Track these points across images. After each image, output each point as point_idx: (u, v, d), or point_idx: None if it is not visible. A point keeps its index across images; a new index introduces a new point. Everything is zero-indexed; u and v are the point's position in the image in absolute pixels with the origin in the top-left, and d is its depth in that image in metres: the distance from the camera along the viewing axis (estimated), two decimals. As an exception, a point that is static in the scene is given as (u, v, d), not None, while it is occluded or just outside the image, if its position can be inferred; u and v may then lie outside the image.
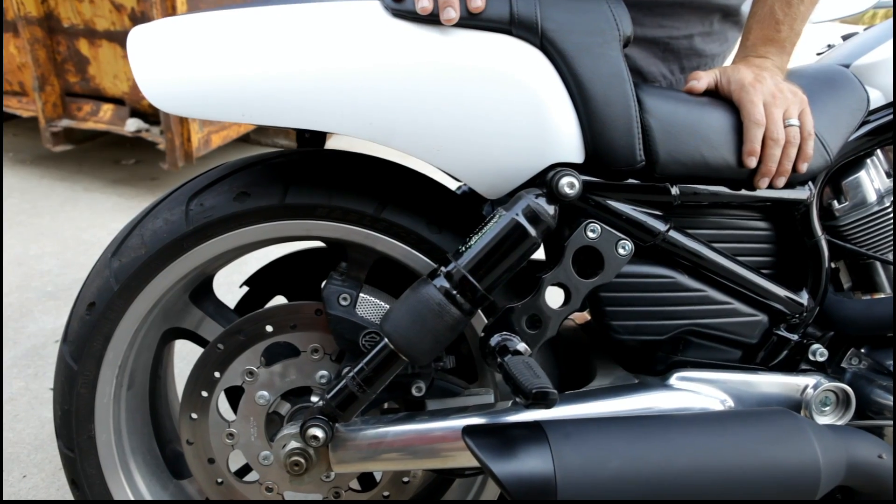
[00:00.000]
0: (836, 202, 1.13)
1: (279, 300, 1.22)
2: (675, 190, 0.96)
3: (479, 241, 0.86)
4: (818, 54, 1.38)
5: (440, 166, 0.89)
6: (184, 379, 1.07)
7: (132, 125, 3.13)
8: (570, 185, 0.88)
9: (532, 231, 0.85)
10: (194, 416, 1.07)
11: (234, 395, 1.10)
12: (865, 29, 1.36)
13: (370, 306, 0.98)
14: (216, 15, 0.87)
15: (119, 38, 3.11)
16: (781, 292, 1.05)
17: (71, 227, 2.93)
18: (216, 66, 0.83)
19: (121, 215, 3.06)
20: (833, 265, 1.17)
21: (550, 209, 0.87)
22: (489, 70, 0.85)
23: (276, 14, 0.87)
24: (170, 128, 3.05)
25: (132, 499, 1.09)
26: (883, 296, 1.16)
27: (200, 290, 1.15)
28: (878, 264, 1.16)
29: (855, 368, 1.11)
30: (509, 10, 0.87)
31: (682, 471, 0.82)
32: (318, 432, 0.89)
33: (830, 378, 1.07)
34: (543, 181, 0.90)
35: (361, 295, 0.98)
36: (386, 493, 1.11)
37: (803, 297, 1.06)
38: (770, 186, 0.98)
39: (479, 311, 0.98)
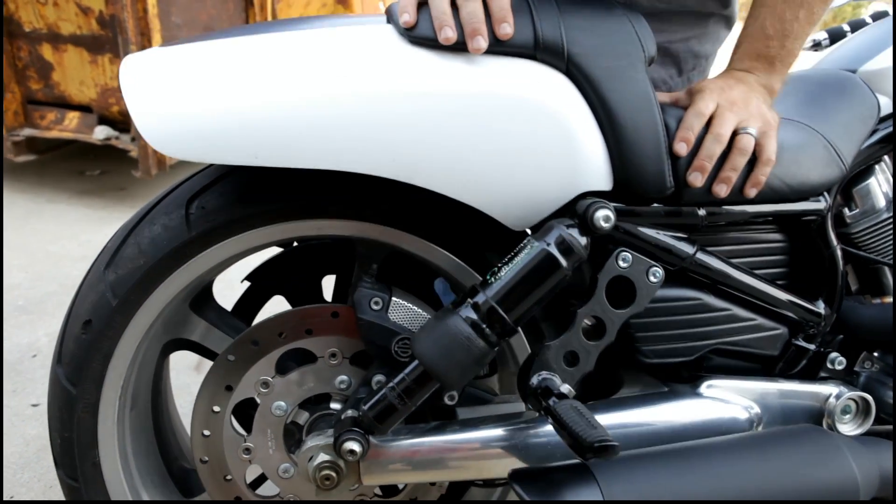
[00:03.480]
0: (846, 209, 1.14)
1: (278, 300, 1.18)
2: (702, 212, 0.94)
3: (509, 272, 0.82)
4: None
5: (467, 201, 0.85)
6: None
7: (101, 133, 3.02)
8: (605, 218, 0.84)
9: (564, 263, 0.82)
10: (207, 432, 1.01)
11: (239, 412, 1.05)
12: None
13: (403, 311, 0.93)
14: (219, 43, 0.82)
15: (86, 43, 3.00)
16: (801, 303, 1.04)
17: (37, 240, 2.79)
18: (222, 101, 0.77)
19: (90, 226, 2.94)
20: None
21: (583, 240, 0.84)
22: (516, 98, 0.82)
23: (284, 43, 0.82)
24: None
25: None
26: (892, 300, 1.18)
27: (200, 297, 1.08)
28: (887, 269, 1.18)
29: (868, 372, 1.12)
30: (533, 34, 0.83)
31: (731, 499, 0.81)
32: (356, 446, 0.85)
33: (851, 388, 1.08)
34: (574, 211, 0.87)
35: (394, 299, 0.94)
36: (412, 498, 1.07)
37: (820, 307, 1.06)
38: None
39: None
